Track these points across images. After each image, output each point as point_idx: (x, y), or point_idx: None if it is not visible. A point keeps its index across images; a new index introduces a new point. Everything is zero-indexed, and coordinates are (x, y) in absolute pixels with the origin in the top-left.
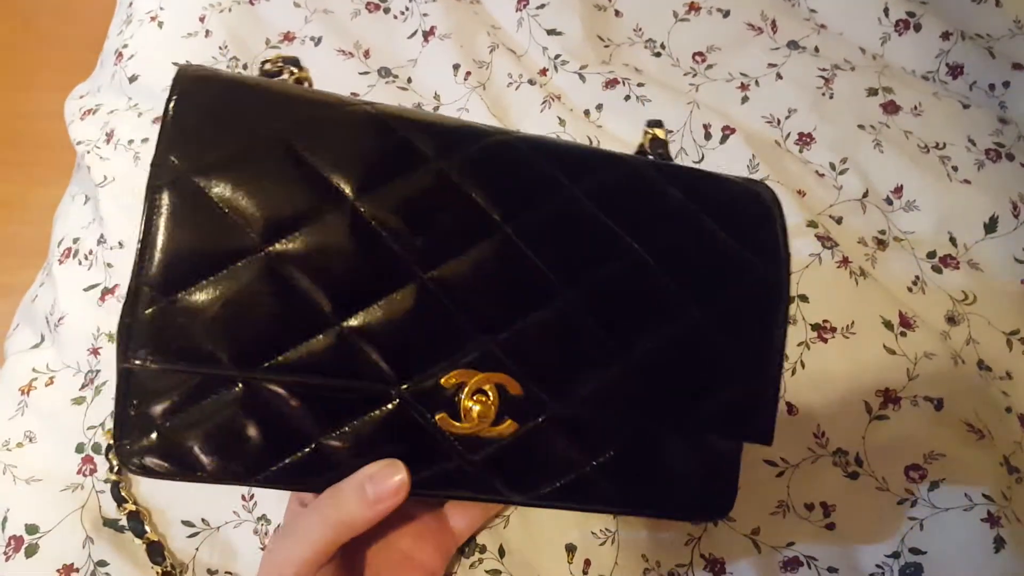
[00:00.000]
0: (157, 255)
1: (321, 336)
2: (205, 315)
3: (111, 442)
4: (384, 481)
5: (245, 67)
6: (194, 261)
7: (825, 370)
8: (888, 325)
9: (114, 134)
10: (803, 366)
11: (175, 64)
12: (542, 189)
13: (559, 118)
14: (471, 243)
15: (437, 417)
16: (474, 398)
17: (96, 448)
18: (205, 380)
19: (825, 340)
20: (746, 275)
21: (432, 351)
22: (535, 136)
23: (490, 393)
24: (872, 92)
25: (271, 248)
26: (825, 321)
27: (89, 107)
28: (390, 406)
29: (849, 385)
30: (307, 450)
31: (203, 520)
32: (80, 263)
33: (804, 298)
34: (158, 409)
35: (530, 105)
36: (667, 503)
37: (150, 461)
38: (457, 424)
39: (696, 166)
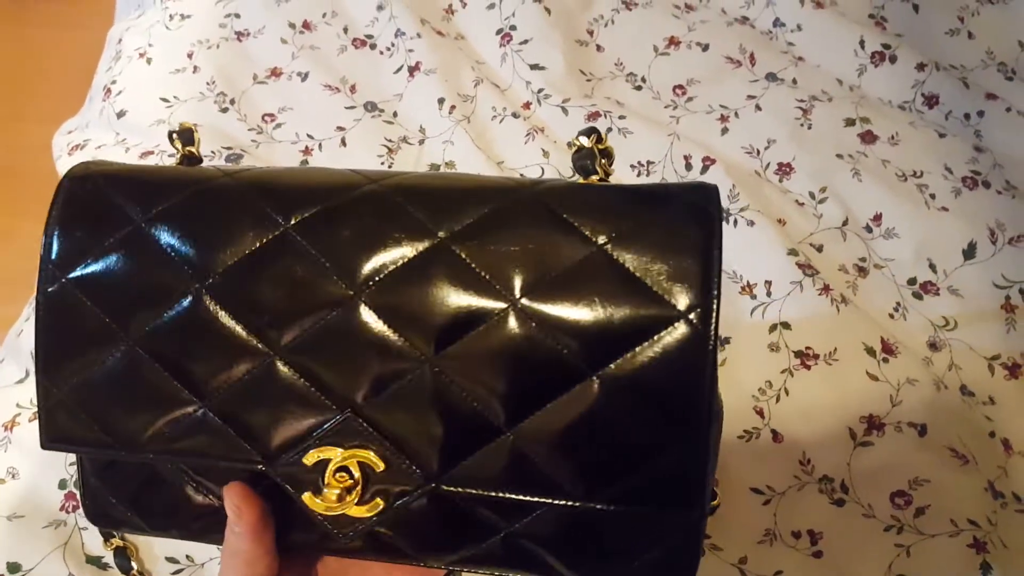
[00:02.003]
0: (48, 353)
1: (188, 418)
2: (90, 402)
3: None
4: (230, 512)
5: (233, 102)
6: (71, 356)
7: (809, 397)
8: (870, 351)
9: None
10: (787, 393)
11: (163, 100)
12: (403, 242)
13: (543, 150)
14: (324, 315)
15: (303, 496)
16: (337, 476)
17: (78, 484)
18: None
19: (808, 367)
20: (662, 326)
21: (294, 428)
22: (408, 179)
23: (354, 471)
24: (850, 122)
25: (135, 339)
26: (808, 348)
27: (77, 142)
28: (273, 489)
29: (833, 412)
30: (203, 516)
31: (188, 557)
32: None
33: (787, 325)
34: (105, 482)
35: (514, 137)
36: (606, 571)
37: (107, 524)
38: (320, 504)
39: (620, 182)
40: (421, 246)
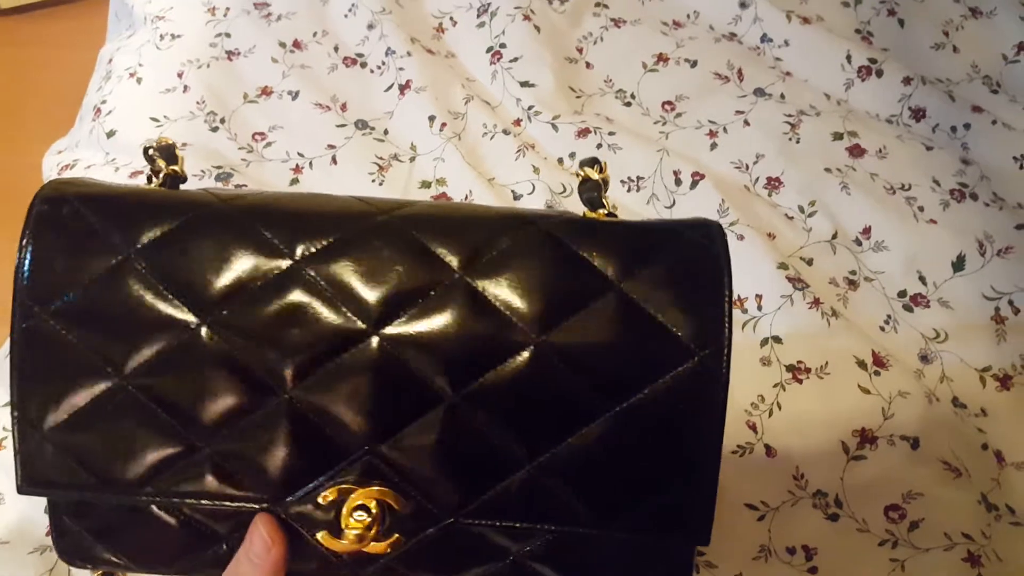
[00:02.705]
0: (26, 392)
1: (191, 461)
2: (80, 447)
3: None
4: (255, 545)
5: (223, 121)
6: (53, 396)
7: (801, 411)
8: (862, 365)
9: None
10: (779, 407)
11: (153, 119)
12: (424, 280)
13: (533, 166)
14: (336, 353)
15: (319, 535)
16: (355, 515)
17: None
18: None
19: (800, 381)
20: (677, 364)
21: (307, 467)
22: (422, 209)
23: (372, 508)
24: (838, 136)
25: (127, 377)
26: (799, 362)
27: (67, 162)
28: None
29: (826, 426)
30: (219, 547)
31: None
32: None
33: (778, 339)
34: (82, 520)
35: (504, 154)
36: None
37: (84, 561)
38: (337, 542)
39: (631, 219)
40: (438, 281)
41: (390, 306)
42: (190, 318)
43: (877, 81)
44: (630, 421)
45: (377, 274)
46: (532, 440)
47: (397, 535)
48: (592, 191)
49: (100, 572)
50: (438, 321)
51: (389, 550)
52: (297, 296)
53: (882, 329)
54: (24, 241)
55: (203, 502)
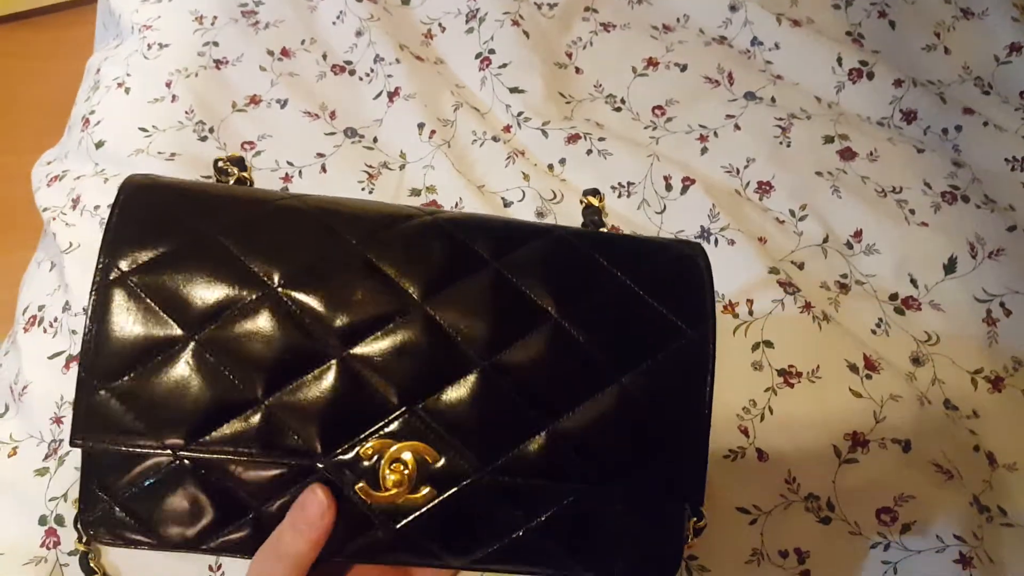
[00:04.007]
0: (98, 348)
1: (246, 415)
2: (140, 399)
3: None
4: (308, 509)
5: (212, 130)
6: (129, 352)
7: (793, 415)
8: (853, 368)
9: (80, 200)
10: (771, 412)
11: (141, 129)
12: (461, 265)
13: (523, 173)
14: (388, 321)
15: (357, 487)
16: (392, 467)
17: (59, 520)
18: (151, 463)
19: (792, 385)
20: (673, 342)
21: (353, 424)
22: (459, 213)
23: (408, 462)
24: (828, 139)
25: (198, 336)
26: (791, 366)
27: (56, 173)
28: (316, 479)
29: (817, 429)
30: (247, 520)
31: None
32: (45, 331)
33: (769, 344)
34: (115, 485)
35: (494, 161)
36: (610, 567)
37: (109, 531)
38: (376, 493)
39: (630, 233)
40: (475, 268)
41: (433, 284)
42: (267, 281)
43: (868, 83)
44: (634, 390)
45: (428, 261)
46: (551, 404)
47: (430, 487)
48: (594, 215)
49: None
50: (471, 300)
51: (423, 501)
52: (356, 266)
53: (873, 332)
54: (115, 212)
55: (249, 458)
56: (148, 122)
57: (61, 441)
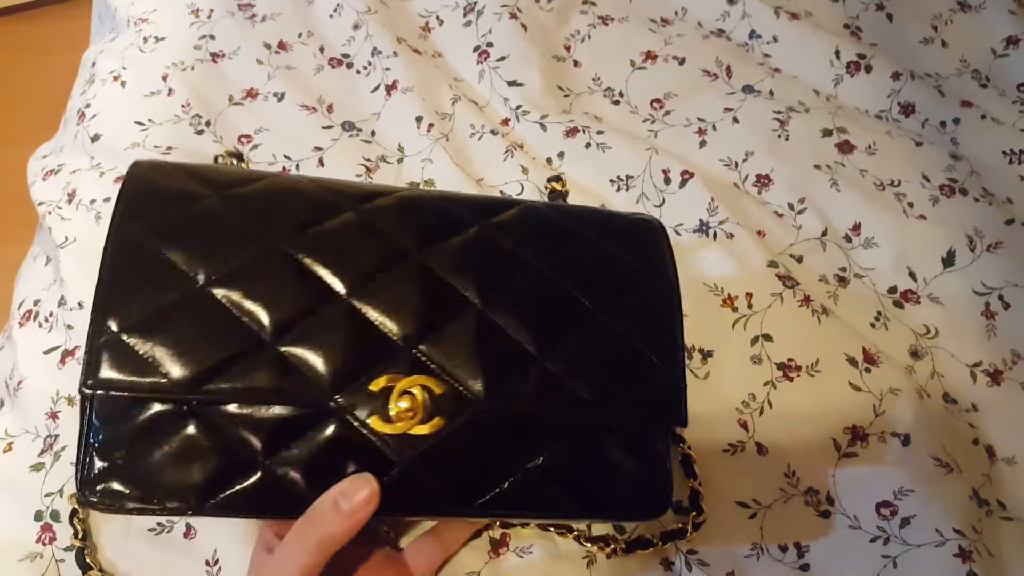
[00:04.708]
0: (111, 295)
1: (257, 356)
2: (146, 340)
3: (75, 507)
4: (357, 494)
5: (208, 124)
6: (142, 301)
7: (792, 409)
8: (852, 362)
9: (76, 194)
10: (770, 406)
11: (138, 123)
12: (450, 226)
13: (521, 166)
14: (387, 268)
15: (369, 419)
16: (402, 398)
17: (55, 516)
18: (157, 411)
19: (791, 379)
20: (644, 283)
21: (361, 362)
22: (449, 192)
23: (417, 393)
24: (827, 133)
25: (208, 283)
26: (790, 360)
27: (51, 167)
28: (330, 427)
29: (817, 423)
30: (256, 475)
31: None
32: (40, 325)
33: (768, 337)
34: (115, 441)
35: (492, 155)
36: (610, 505)
37: (107, 494)
38: (387, 424)
39: (591, 206)
40: (470, 227)
41: (427, 235)
42: (273, 238)
43: (866, 76)
44: (613, 323)
45: (434, 222)
46: (542, 338)
47: (438, 418)
48: (558, 199)
49: None
50: (463, 253)
51: (432, 431)
52: (357, 227)
53: (872, 326)
54: (127, 181)
55: (262, 398)
56: (144, 116)
57: (57, 436)
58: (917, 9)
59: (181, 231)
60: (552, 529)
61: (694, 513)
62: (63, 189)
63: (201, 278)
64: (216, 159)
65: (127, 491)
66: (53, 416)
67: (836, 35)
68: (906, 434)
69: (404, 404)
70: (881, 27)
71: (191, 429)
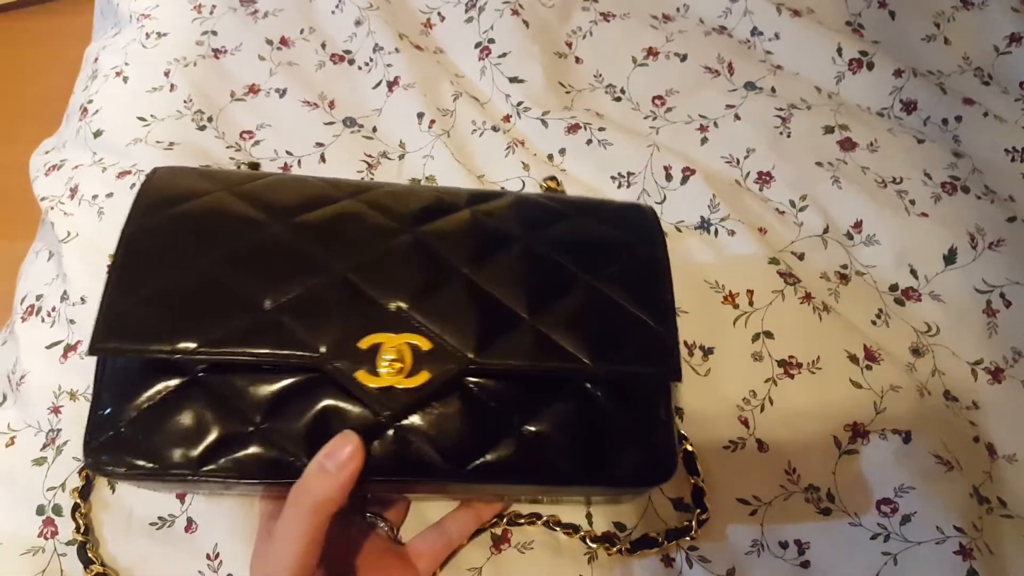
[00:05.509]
0: (123, 266)
1: (249, 317)
2: (154, 310)
3: (77, 501)
4: (339, 451)
5: (210, 119)
6: (147, 273)
7: (793, 406)
8: (853, 359)
9: (78, 189)
10: (771, 402)
11: (140, 118)
12: (443, 208)
13: (523, 163)
14: (381, 242)
15: (356, 374)
16: (388, 351)
17: (57, 510)
18: (160, 379)
19: (792, 376)
20: (633, 251)
21: (350, 322)
22: (442, 187)
23: (404, 350)
24: (829, 130)
25: (208, 263)
26: (791, 357)
27: (54, 162)
28: (323, 390)
29: (817, 420)
30: (254, 441)
31: None
32: (43, 320)
33: (769, 334)
34: (120, 406)
35: (494, 151)
36: (610, 468)
37: (113, 457)
38: (373, 378)
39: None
40: (456, 207)
41: (421, 217)
42: (272, 220)
43: (868, 74)
44: (605, 287)
45: (418, 194)
46: (531, 302)
47: (425, 371)
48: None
49: (95, 572)
50: (455, 227)
51: (418, 384)
52: (350, 210)
53: (874, 323)
54: (149, 180)
55: (257, 360)
56: (146, 111)
57: (59, 431)
58: (919, 6)
59: (189, 223)
60: (558, 529)
61: (698, 511)
62: (65, 184)
63: (203, 258)
64: (239, 166)
65: (130, 455)
66: (55, 411)
67: (838, 32)
68: (907, 431)
69: (390, 356)
70: (883, 24)
71: (193, 396)
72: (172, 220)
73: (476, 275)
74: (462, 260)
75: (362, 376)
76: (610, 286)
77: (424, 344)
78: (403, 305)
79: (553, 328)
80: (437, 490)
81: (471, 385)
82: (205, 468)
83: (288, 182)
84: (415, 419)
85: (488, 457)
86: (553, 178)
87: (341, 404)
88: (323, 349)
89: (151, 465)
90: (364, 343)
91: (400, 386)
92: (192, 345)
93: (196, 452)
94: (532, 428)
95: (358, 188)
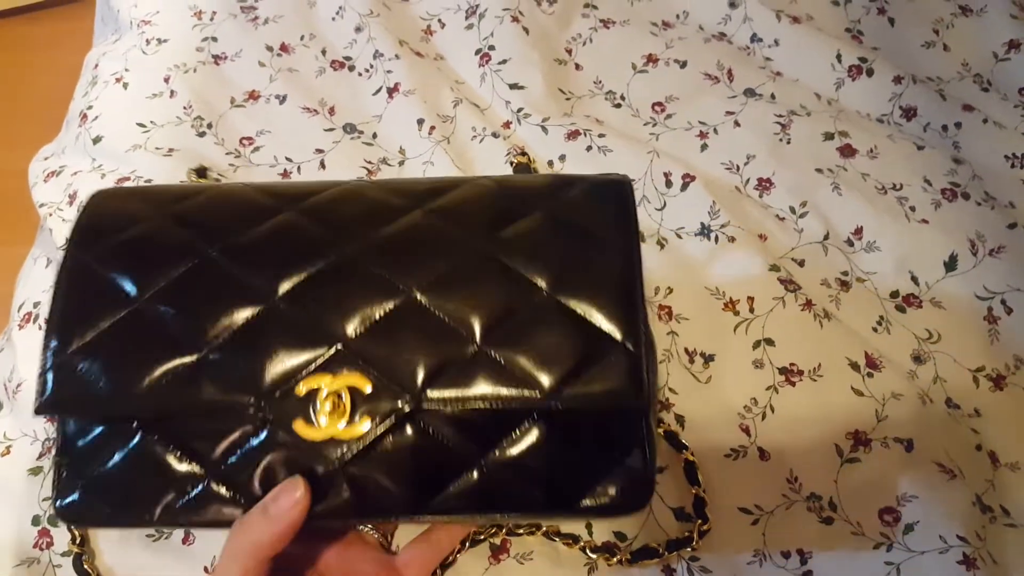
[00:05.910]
0: (63, 318)
1: (184, 369)
2: (92, 360)
3: None
4: (285, 497)
5: (210, 126)
6: (81, 319)
7: (794, 414)
8: (855, 366)
9: (77, 196)
10: (772, 410)
11: (139, 125)
12: (390, 213)
13: None
14: (320, 259)
15: (294, 424)
16: (326, 400)
17: (53, 520)
18: (104, 430)
19: (793, 383)
20: (601, 250)
21: (287, 365)
22: (394, 180)
23: (344, 395)
24: (828, 136)
25: (144, 301)
26: (792, 364)
27: (53, 169)
28: (264, 436)
29: (819, 428)
30: (199, 487)
31: None
32: (40, 328)
33: (770, 341)
34: (72, 459)
35: (494, 157)
36: (580, 497)
37: (66, 506)
38: (312, 429)
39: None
40: (409, 213)
41: (369, 222)
42: (202, 247)
43: (867, 80)
44: (564, 299)
45: (356, 201)
46: (484, 322)
47: (366, 417)
48: (525, 171)
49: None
50: (413, 248)
51: (359, 434)
52: (293, 226)
53: (875, 330)
54: (82, 214)
55: (195, 408)
56: (146, 117)
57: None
58: (919, 13)
59: (123, 254)
60: (558, 539)
61: (699, 521)
62: (64, 191)
63: (136, 296)
64: (190, 173)
65: (83, 508)
66: (51, 420)
67: (837, 39)
68: (909, 439)
69: (328, 406)
70: (882, 31)
71: (138, 446)
72: (107, 253)
73: (425, 295)
74: (410, 278)
75: (300, 427)
76: (573, 298)
77: (364, 385)
78: (348, 335)
79: (505, 352)
80: (404, 522)
81: (423, 421)
82: (156, 518)
83: (225, 195)
84: (366, 462)
85: (451, 490)
86: (523, 153)
87: (282, 445)
88: (254, 400)
89: (115, 522)
90: (301, 388)
91: (341, 436)
92: (129, 399)
93: (144, 504)
94: (495, 456)
95: (298, 194)
